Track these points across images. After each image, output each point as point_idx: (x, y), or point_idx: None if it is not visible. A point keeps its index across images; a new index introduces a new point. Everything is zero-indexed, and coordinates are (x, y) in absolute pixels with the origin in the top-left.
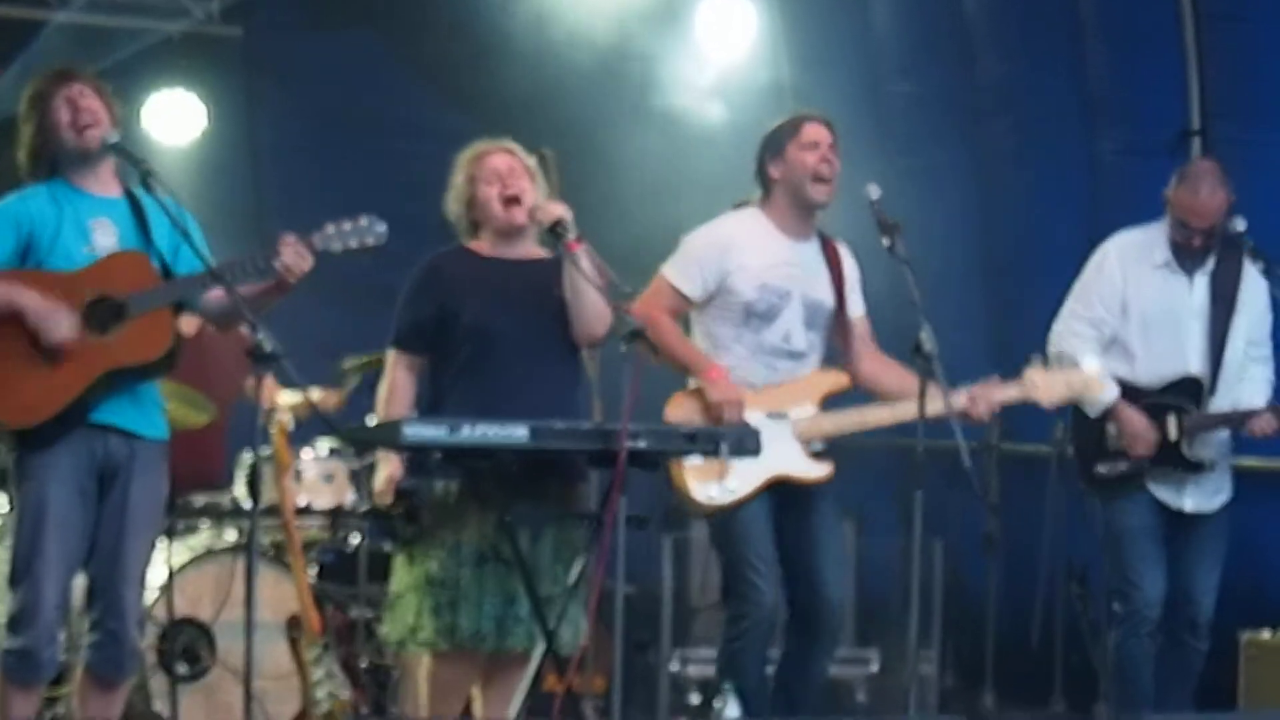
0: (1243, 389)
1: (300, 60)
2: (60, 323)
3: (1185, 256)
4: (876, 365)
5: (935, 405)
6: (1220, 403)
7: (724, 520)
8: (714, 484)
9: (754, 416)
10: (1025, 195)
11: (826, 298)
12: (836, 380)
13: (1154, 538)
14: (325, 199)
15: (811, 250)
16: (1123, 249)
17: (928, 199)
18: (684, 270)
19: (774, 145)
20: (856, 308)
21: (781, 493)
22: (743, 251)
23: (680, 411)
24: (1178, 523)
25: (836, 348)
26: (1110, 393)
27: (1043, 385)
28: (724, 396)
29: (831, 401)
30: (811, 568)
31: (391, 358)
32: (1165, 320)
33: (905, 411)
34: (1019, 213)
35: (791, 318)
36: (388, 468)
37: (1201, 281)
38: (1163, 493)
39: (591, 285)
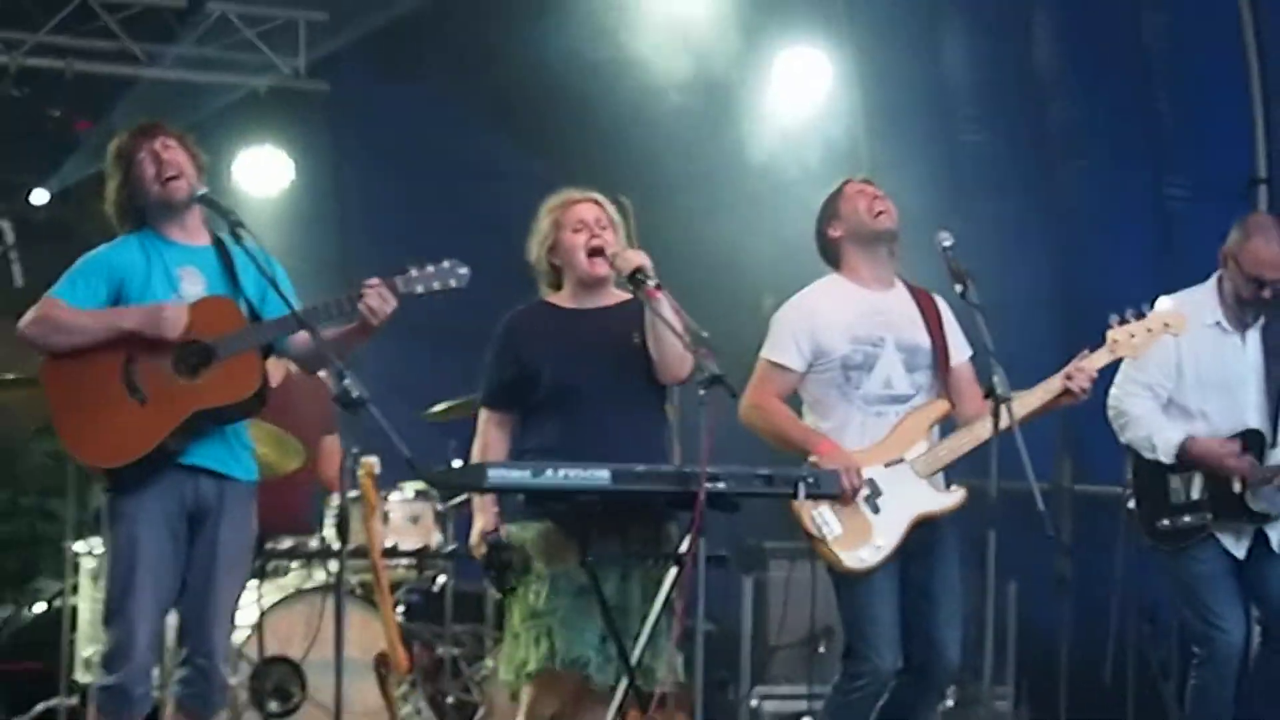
0: None
1: (383, 111)
2: (173, 316)
3: (1239, 314)
4: (980, 407)
5: (1031, 401)
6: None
7: (851, 583)
8: (864, 548)
9: (874, 472)
10: (1097, 239)
11: (923, 340)
12: (938, 410)
13: (1230, 578)
14: (408, 244)
15: (898, 297)
16: None
17: (1002, 245)
18: (780, 345)
19: (827, 211)
20: (960, 353)
21: (908, 545)
22: (828, 312)
23: None
24: (1249, 560)
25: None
26: (1176, 435)
27: (1125, 340)
28: (834, 463)
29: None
30: (931, 628)
31: (483, 416)
32: (1221, 379)
33: (988, 430)
34: (1091, 256)
35: (890, 363)
36: (481, 520)
37: (1254, 338)
38: (1226, 540)
39: (672, 331)
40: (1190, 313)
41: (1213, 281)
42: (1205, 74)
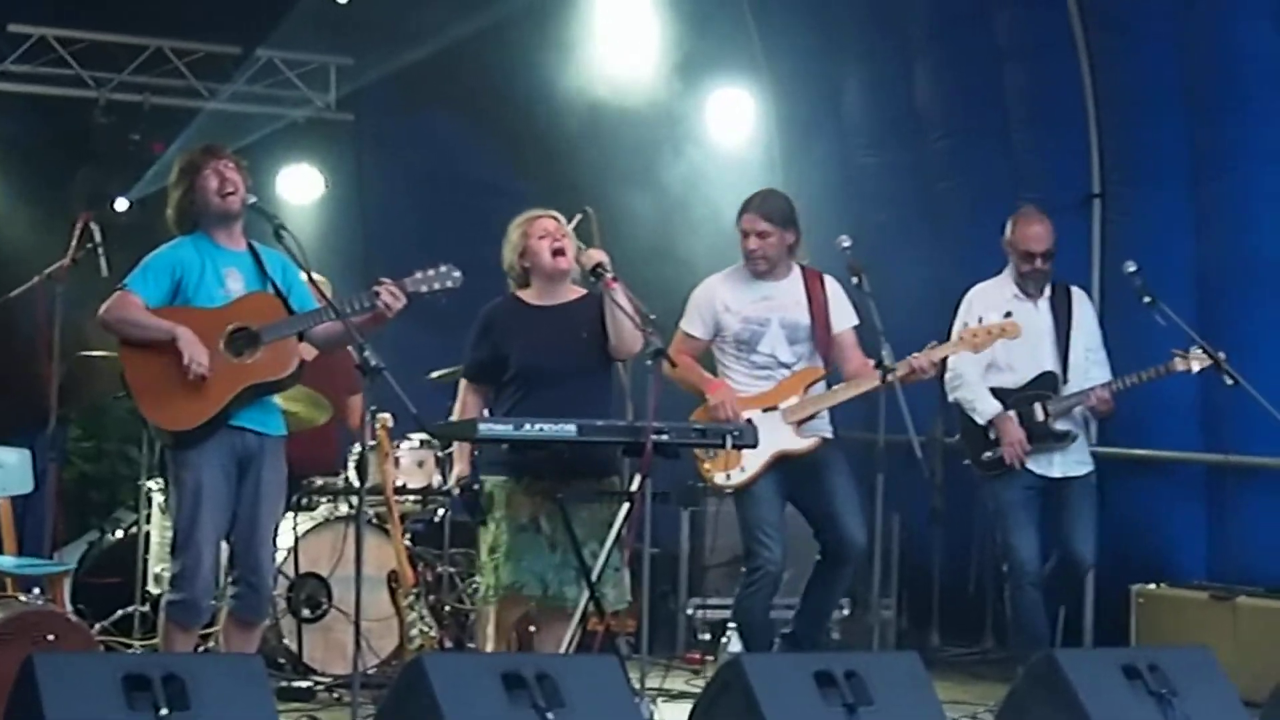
0: (1087, 384)
1: (399, 138)
2: (201, 361)
3: (1029, 287)
4: (859, 367)
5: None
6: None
7: (742, 497)
8: (732, 470)
9: (751, 414)
10: (963, 243)
11: (804, 319)
12: (812, 374)
13: (1027, 508)
14: (419, 247)
15: (789, 283)
16: (980, 294)
17: (890, 247)
18: (689, 319)
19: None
20: (843, 322)
21: (792, 470)
22: (726, 297)
23: (701, 419)
24: (1052, 489)
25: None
26: (993, 407)
27: (969, 338)
28: (717, 399)
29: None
30: (833, 515)
31: (463, 385)
32: (1022, 337)
33: (859, 387)
34: (959, 257)
35: (774, 339)
36: (458, 467)
37: (1044, 305)
38: (1036, 464)
39: (626, 314)
40: (995, 290)
41: (1009, 268)
42: (1052, 112)
